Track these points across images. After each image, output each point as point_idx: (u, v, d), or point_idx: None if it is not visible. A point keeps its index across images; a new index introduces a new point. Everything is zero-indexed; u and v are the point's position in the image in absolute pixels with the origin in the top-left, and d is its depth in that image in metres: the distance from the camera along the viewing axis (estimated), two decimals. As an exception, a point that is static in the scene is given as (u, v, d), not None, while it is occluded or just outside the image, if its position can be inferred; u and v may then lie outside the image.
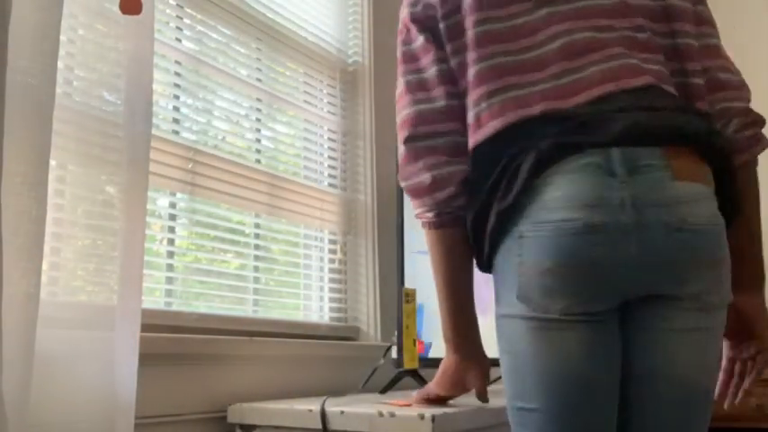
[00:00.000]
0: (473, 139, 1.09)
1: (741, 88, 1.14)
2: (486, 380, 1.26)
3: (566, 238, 0.96)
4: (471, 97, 1.10)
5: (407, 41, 1.18)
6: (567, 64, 1.05)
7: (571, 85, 1.04)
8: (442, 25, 1.13)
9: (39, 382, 1.04)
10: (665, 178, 0.96)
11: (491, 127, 1.06)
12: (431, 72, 1.15)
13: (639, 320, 1.02)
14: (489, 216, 1.04)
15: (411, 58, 1.17)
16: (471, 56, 1.10)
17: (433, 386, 1.32)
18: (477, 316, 1.21)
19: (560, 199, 0.97)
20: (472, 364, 1.23)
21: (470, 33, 1.10)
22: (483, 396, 1.28)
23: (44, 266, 1.06)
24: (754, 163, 1.14)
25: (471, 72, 1.10)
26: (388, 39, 2.24)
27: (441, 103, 1.14)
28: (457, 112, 1.14)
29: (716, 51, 1.15)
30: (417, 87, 1.16)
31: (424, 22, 1.15)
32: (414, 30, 1.17)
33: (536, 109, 1.04)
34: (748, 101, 1.13)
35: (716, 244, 0.99)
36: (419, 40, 1.16)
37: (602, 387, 1.00)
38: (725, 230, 1.01)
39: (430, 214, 1.15)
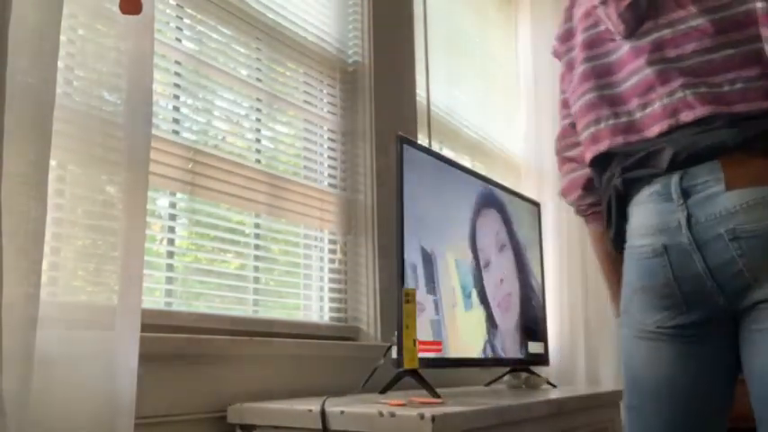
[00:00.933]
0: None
1: None
2: None
3: (644, 261, 1.10)
4: (577, 127, 1.29)
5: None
6: (640, 99, 1.14)
7: (639, 122, 1.14)
8: (563, 60, 1.33)
9: (39, 382, 1.04)
10: (715, 193, 1.02)
11: (586, 158, 1.25)
12: (567, 94, 1.34)
13: (742, 329, 1.07)
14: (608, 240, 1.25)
15: (560, 80, 1.38)
16: (575, 92, 1.27)
17: None
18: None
19: (637, 227, 1.11)
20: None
21: (577, 71, 1.27)
22: None
23: (44, 266, 1.06)
24: None
25: (574, 108, 1.28)
26: (388, 39, 2.25)
27: (572, 119, 1.33)
28: None
29: None
30: (562, 106, 1.38)
31: (559, 56, 1.36)
32: (558, 60, 1.37)
33: (603, 145, 1.19)
34: None
35: None
36: (562, 69, 1.36)
37: (691, 394, 1.09)
38: None
39: (574, 211, 1.39)
